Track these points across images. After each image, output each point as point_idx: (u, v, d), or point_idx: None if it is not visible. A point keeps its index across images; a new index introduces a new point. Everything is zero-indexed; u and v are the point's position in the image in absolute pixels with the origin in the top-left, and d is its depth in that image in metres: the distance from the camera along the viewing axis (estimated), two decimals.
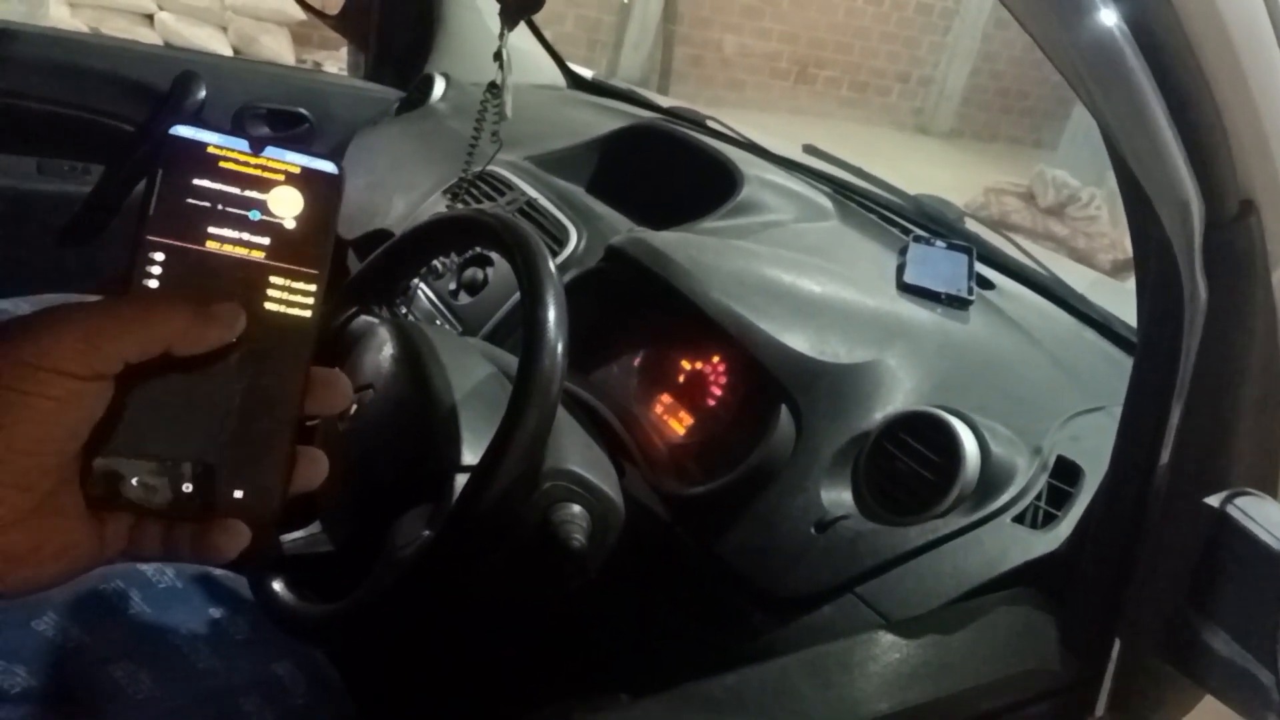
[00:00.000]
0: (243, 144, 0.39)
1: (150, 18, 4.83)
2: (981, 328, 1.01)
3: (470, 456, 0.75)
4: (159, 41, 4.72)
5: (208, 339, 0.37)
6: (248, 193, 0.39)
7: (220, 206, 0.38)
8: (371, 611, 0.70)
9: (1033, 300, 1.14)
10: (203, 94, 1.51)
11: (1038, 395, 0.89)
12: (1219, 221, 0.51)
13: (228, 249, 0.38)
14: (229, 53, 4.86)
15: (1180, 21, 0.45)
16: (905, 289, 1.05)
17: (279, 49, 5.04)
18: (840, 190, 1.35)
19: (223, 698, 0.76)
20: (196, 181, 0.38)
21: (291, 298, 0.39)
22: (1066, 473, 0.79)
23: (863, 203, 1.32)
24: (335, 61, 5.03)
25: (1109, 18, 0.44)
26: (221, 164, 0.39)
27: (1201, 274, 0.51)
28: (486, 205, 1.29)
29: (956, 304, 1.04)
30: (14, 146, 1.50)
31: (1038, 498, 0.78)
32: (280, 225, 0.39)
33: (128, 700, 0.73)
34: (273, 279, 0.39)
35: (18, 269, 1.51)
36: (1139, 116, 0.46)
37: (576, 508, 0.75)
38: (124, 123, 1.54)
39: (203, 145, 0.39)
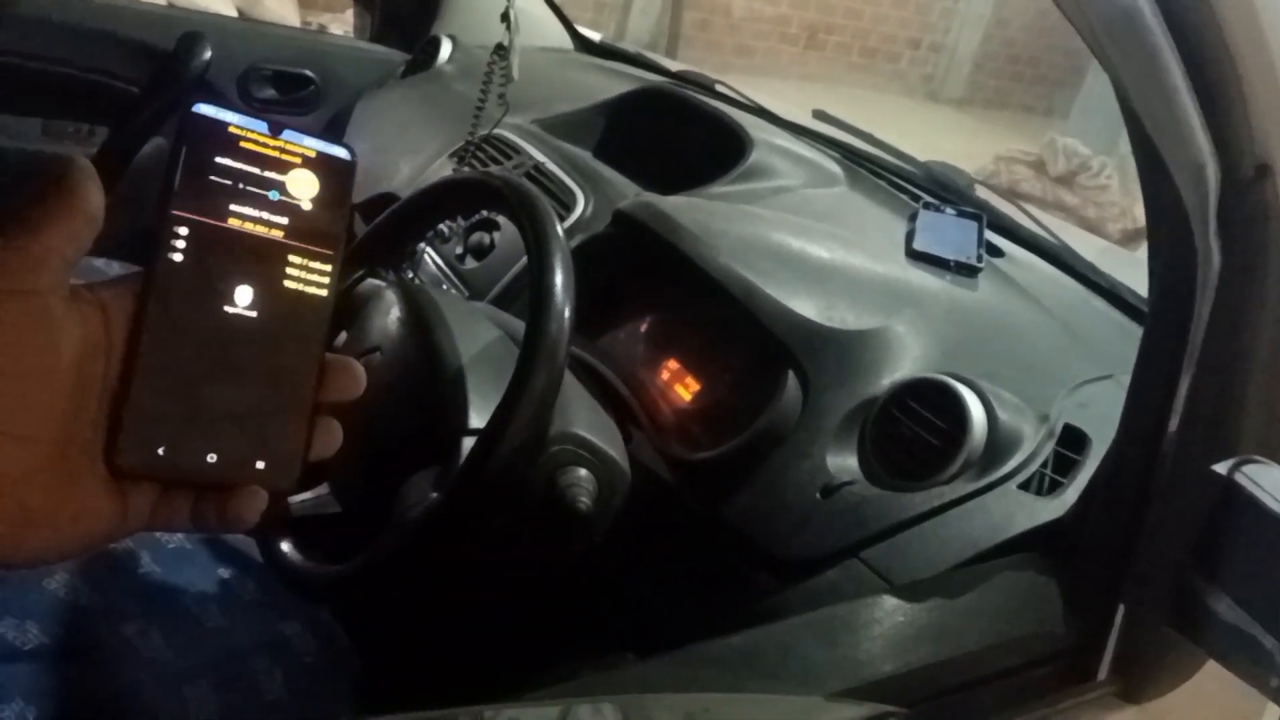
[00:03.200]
0: (262, 125, 0.40)
1: None
2: (990, 295, 1.01)
3: (477, 420, 0.75)
4: (163, 2, 4.68)
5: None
6: (267, 173, 0.39)
7: (241, 185, 0.39)
8: (379, 572, 0.71)
9: (1042, 268, 1.14)
10: (208, 55, 1.50)
11: (1046, 363, 0.89)
12: (1234, 185, 0.50)
13: (248, 226, 0.39)
14: (233, 14, 4.82)
15: None
16: (914, 256, 1.05)
17: (283, 10, 5.00)
18: (850, 156, 1.34)
19: (232, 657, 0.77)
20: (219, 160, 0.39)
21: (308, 276, 0.40)
22: (1073, 440, 0.79)
23: (872, 169, 1.31)
24: (340, 24, 4.98)
25: None
26: (242, 144, 0.39)
27: (1215, 238, 0.51)
28: (493, 169, 1.29)
29: (965, 271, 1.03)
30: (19, 107, 1.50)
31: (1044, 465, 0.78)
32: (298, 206, 0.40)
33: (138, 658, 0.74)
34: (291, 258, 0.40)
35: None
36: (1156, 77, 0.46)
37: (583, 471, 0.75)
38: (129, 84, 1.53)
39: (224, 124, 0.39)
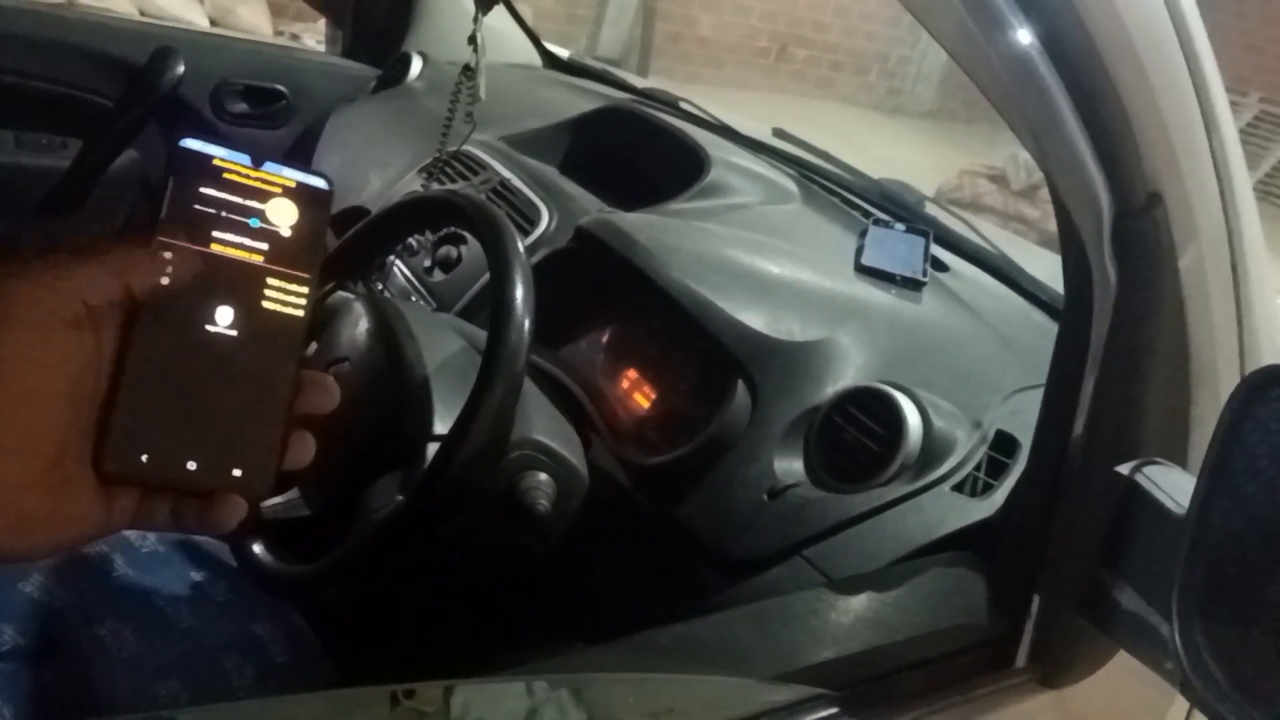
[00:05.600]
0: (245, 158, 0.43)
1: None
2: (933, 308, 1.06)
3: (441, 426, 0.79)
4: (135, 12, 4.67)
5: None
6: (248, 202, 0.43)
7: (224, 213, 0.42)
8: (346, 570, 0.74)
9: (985, 282, 1.19)
10: (181, 69, 1.52)
11: (982, 372, 0.94)
12: (1128, 211, 0.55)
13: (230, 251, 0.42)
14: (205, 24, 4.82)
15: (1088, 31, 0.49)
16: (862, 270, 1.10)
17: (256, 20, 5.00)
18: (806, 173, 1.39)
19: (204, 656, 0.79)
20: (203, 190, 0.42)
21: (286, 297, 0.43)
22: (1005, 445, 0.84)
23: (827, 186, 1.36)
24: (313, 34, 4.99)
25: (1024, 35, 0.48)
26: (225, 175, 0.42)
27: (1111, 260, 0.56)
28: (460, 185, 1.32)
29: (910, 285, 1.08)
30: None
31: (977, 468, 0.83)
32: (277, 232, 0.43)
33: (112, 658, 0.75)
34: (269, 280, 0.43)
35: None
36: (1050, 120, 0.51)
37: (542, 475, 0.79)
38: (102, 97, 1.54)
39: (209, 157, 0.42)
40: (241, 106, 1.69)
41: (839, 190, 1.35)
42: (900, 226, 1.20)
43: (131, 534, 0.84)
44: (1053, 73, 0.49)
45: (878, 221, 1.21)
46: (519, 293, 0.76)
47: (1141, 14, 0.51)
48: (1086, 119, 0.51)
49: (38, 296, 0.38)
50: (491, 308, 0.76)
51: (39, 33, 1.50)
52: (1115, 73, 0.50)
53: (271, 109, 1.71)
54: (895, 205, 1.31)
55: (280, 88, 1.71)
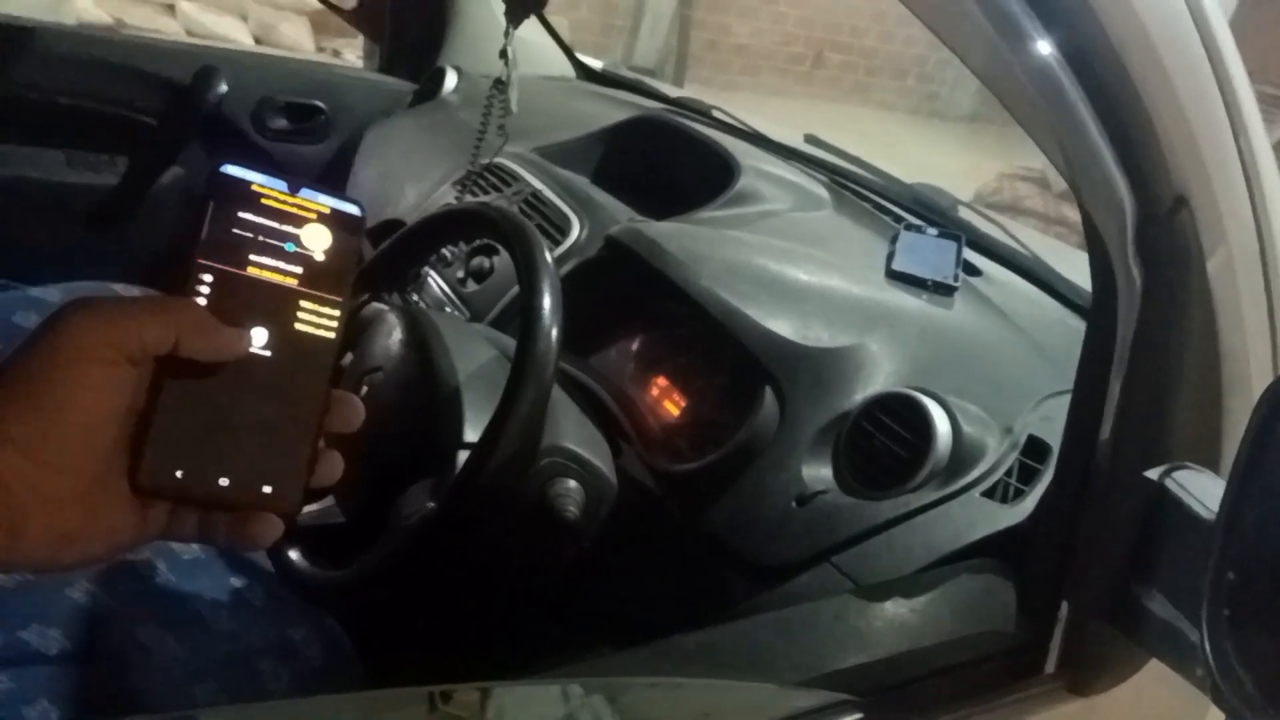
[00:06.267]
0: (282, 184, 0.44)
1: (171, 7, 4.90)
2: (965, 313, 1.05)
3: (472, 434, 0.80)
4: (180, 31, 4.79)
5: (211, 347, 0.42)
6: (285, 227, 0.44)
7: (261, 238, 0.44)
8: (379, 576, 0.76)
9: (1019, 286, 1.17)
10: (223, 88, 1.56)
11: (1014, 378, 0.93)
12: (1153, 216, 0.55)
13: (266, 275, 0.44)
14: (249, 41, 4.93)
15: (1109, 37, 0.49)
16: (893, 276, 1.09)
17: (298, 36, 5.11)
18: (837, 179, 1.39)
19: (241, 659, 0.81)
20: (241, 214, 0.43)
21: (318, 320, 0.44)
22: (1037, 450, 0.83)
23: (859, 191, 1.36)
24: (354, 49, 5.08)
25: (1044, 43, 0.48)
26: (263, 200, 0.44)
27: (1136, 263, 0.55)
28: (492, 196, 1.34)
29: (942, 290, 1.07)
30: (43, 140, 1.55)
31: (1008, 474, 0.82)
32: (311, 257, 0.44)
33: (153, 661, 0.77)
34: (302, 303, 0.44)
35: (47, 256, 1.57)
36: (1073, 125, 0.50)
37: (571, 482, 0.80)
38: (148, 116, 1.59)
39: (248, 183, 0.44)
40: (282, 123, 1.73)
41: (871, 195, 1.35)
42: (932, 231, 1.19)
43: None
44: (1074, 78, 0.49)
45: (909, 226, 1.20)
46: (547, 302, 0.77)
47: (1164, 18, 0.51)
48: (1109, 124, 0.51)
49: (109, 338, 0.40)
50: (521, 318, 0.77)
51: (89, 54, 1.54)
52: (1137, 77, 0.50)
53: (311, 124, 1.75)
54: (927, 210, 1.30)
55: (319, 104, 1.74)
